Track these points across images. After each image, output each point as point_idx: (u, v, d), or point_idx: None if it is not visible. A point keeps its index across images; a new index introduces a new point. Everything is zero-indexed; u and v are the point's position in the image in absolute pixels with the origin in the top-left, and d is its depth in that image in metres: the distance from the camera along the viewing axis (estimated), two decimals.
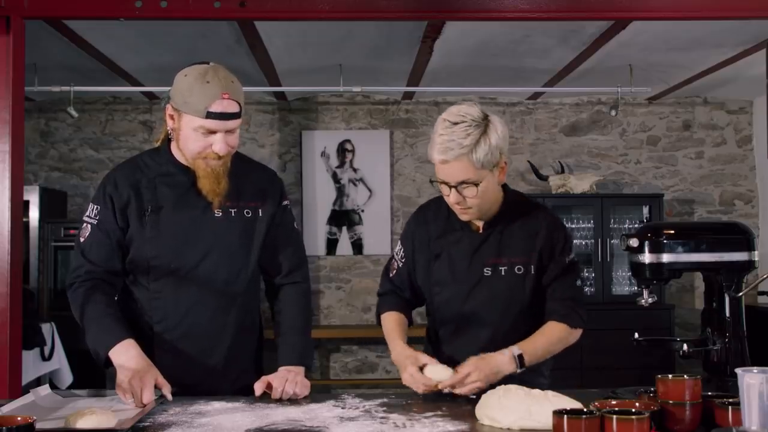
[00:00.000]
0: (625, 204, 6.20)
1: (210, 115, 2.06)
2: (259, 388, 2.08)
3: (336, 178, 6.48)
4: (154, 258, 2.17)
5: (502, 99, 6.58)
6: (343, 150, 6.52)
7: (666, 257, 2.19)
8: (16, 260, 3.37)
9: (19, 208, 3.43)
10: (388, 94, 6.50)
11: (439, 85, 5.96)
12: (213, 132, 2.09)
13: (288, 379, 2.09)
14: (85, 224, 2.22)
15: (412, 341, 2.26)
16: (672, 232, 2.22)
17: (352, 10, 3.56)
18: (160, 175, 2.21)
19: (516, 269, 2.22)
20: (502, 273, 2.22)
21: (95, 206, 2.21)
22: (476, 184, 2.10)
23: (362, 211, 6.51)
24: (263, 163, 2.43)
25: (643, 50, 5.02)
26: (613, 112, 6.01)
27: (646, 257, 2.21)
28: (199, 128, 2.08)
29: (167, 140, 2.24)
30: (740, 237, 2.22)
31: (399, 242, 2.40)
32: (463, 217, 2.21)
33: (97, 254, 2.19)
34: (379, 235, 6.49)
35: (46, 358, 4.93)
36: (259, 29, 4.46)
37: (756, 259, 2.23)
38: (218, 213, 2.20)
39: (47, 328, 4.99)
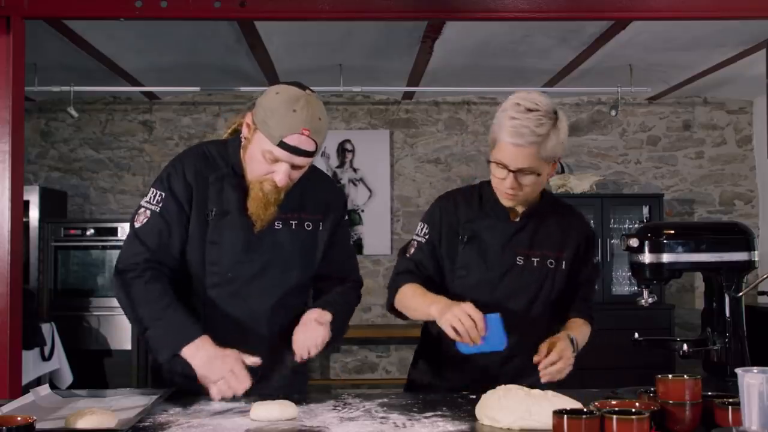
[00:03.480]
0: (625, 204, 6.20)
1: (282, 146, 1.95)
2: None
3: (336, 178, 6.48)
4: (211, 264, 2.09)
5: (502, 99, 6.53)
6: (343, 150, 6.52)
7: (666, 257, 2.20)
8: (16, 260, 3.37)
9: (19, 208, 3.43)
10: (388, 94, 6.50)
11: (439, 85, 5.96)
12: (279, 161, 1.99)
13: (310, 332, 2.03)
14: (143, 209, 2.09)
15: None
16: (672, 232, 2.22)
17: (352, 10, 3.56)
18: (227, 175, 2.11)
19: (548, 262, 2.23)
20: (534, 264, 2.22)
21: (159, 192, 2.08)
22: (537, 174, 2.10)
23: (362, 211, 6.51)
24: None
25: (643, 50, 5.02)
26: (613, 112, 6.02)
27: (646, 257, 2.21)
28: (267, 153, 1.98)
29: (237, 137, 2.13)
30: (740, 237, 2.23)
31: (421, 223, 2.31)
32: (508, 202, 2.18)
33: (158, 241, 2.06)
34: (379, 235, 6.49)
35: (46, 358, 4.94)
36: (259, 29, 4.47)
37: (756, 259, 2.23)
38: (278, 225, 2.11)
39: (47, 328, 4.99)
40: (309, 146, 1.98)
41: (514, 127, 2.05)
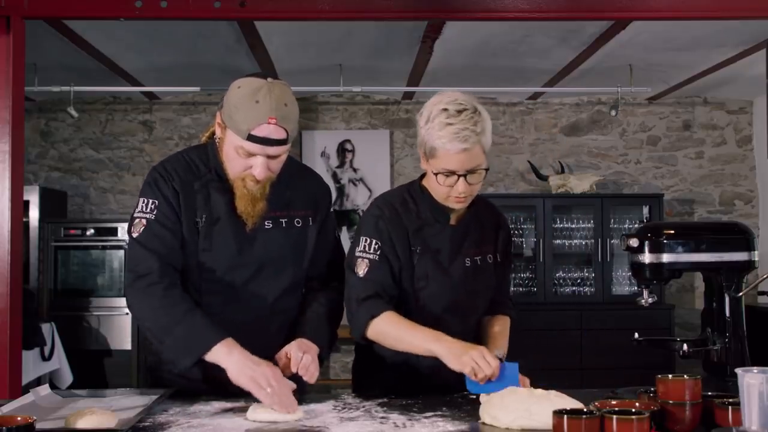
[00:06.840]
0: (625, 204, 6.20)
1: (251, 138, 1.93)
2: (283, 364, 1.97)
3: (336, 178, 6.48)
4: (206, 271, 2.08)
5: (502, 99, 6.58)
6: (343, 150, 6.52)
7: (666, 257, 2.19)
8: (16, 260, 3.37)
9: (19, 208, 3.44)
10: (388, 94, 6.50)
11: (439, 85, 5.93)
12: (253, 154, 1.97)
13: (304, 350, 1.99)
14: (138, 219, 2.05)
15: None
16: (672, 232, 2.22)
17: (352, 10, 3.56)
18: (212, 180, 2.09)
19: (488, 258, 2.27)
20: (478, 263, 2.24)
21: (151, 200, 2.05)
22: (485, 170, 2.10)
23: (362, 211, 6.51)
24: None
25: (643, 50, 5.02)
26: (613, 112, 6.01)
27: (646, 257, 2.21)
28: (239, 148, 1.96)
29: (215, 140, 2.11)
30: (740, 237, 2.22)
31: (365, 238, 2.16)
32: (458, 206, 2.14)
33: (162, 248, 2.03)
34: None
35: (46, 358, 4.94)
36: (259, 29, 4.47)
37: (756, 259, 2.23)
38: (268, 225, 2.10)
39: (47, 328, 5.00)
40: (279, 135, 1.95)
41: (456, 132, 2.01)
